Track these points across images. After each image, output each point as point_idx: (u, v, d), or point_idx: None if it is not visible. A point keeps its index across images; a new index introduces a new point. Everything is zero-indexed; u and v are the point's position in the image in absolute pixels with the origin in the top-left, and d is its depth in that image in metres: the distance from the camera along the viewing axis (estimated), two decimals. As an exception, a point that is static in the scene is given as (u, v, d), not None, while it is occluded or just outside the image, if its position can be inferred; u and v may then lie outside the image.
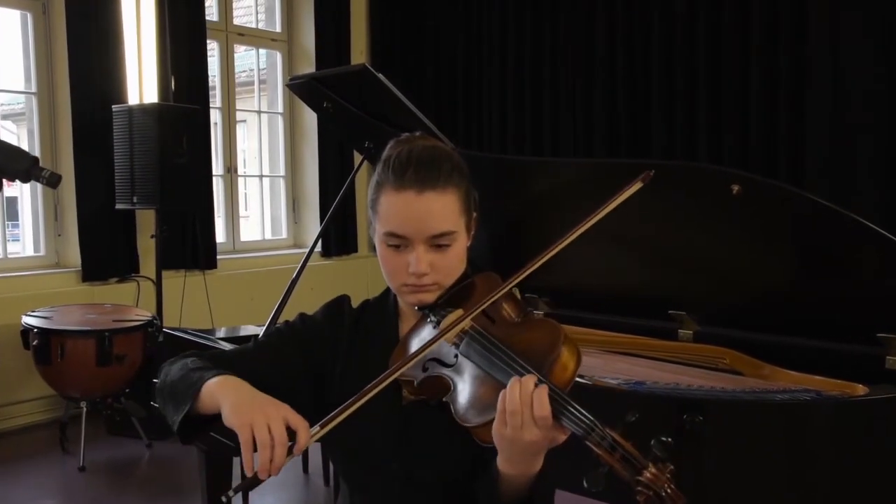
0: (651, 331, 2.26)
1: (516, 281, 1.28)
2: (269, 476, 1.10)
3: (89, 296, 4.59)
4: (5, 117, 6.89)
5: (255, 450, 1.10)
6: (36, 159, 2.50)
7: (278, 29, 6.06)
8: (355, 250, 6.16)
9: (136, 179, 4.36)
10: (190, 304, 4.89)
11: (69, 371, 3.81)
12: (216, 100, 5.58)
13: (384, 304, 1.41)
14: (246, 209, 6.60)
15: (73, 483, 3.69)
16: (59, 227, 4.75)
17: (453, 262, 1.30)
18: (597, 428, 1.08)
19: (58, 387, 3.94)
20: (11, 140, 4.27)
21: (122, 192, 4.44)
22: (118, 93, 4.70)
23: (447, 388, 1.23)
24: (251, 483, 1.10)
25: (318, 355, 1.36)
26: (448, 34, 6.21)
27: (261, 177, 6.24)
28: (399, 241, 1.27)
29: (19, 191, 4.99)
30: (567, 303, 2.49)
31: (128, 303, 4.67)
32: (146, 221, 4.77)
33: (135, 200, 4.39)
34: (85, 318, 4.01)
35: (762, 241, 1.93)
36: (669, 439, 1.05)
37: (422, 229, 1.25)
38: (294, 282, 2.69)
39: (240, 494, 3.42)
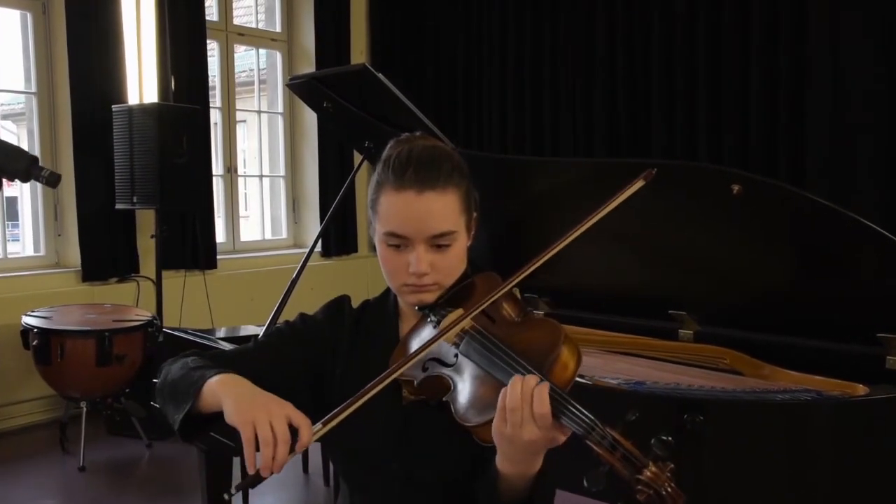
0: (651, 331, 2.26)
1: (517, 280, 1.28)
2: (272, 474, 1.10)
3: (89, 296, 4.59)
4: (5, 117, 6.90)
5: (257, 448, 1.10)
6: (35, 158, 2.50)
7: (278, 29, 6.06)
8: (355, 250, 6.16)
9: (136, 179, 4.36)
10: (190, 304, 4.88)
11: (69, 371, 3.81)
12: (216, 100, 5.58)
13: (384, 305, 1.41)
14: (246, 209, 6.60)
15: (73, 483, 3.69)
16: (59, 227, 4.75)
17: (453, 262, 1.30)
18: (597, 427, 1.08)
19: (58, 387, 3.94)
20: (11, 140, 4.27)
21: (122, 192, 4.44)
22: (118, 93, 4.70)
23: (447, 387, 1.23)
24: (253, 481, 1.11)
25: (319, 355, 1.36)
26: (448, 34, 6.20)
27: (261, 177, 6.24)
28: (399, 241, 1.27)
29: (19, 191, 4.99)
30: (567, 303, 2.49)
31: (128, 303, 4.67)
32: (146, 221, 4.77)
33: (135, 200, 4.39)
34: (85, 318, 4.01)
35: (762, 241, 1.93)
36: (670, 438, 1.05)
37: (422, 229, 1.25)
38: (294, 282, 2.69)
39: (240, 494, 3.42)
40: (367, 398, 1.18)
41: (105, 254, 4.68)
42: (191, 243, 5.08)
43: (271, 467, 1.10)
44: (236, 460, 2.84)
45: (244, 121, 6.63)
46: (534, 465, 1.17)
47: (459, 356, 1.24)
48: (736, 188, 1.77)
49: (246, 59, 6.79)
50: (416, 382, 1.25)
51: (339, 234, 5.99)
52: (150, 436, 4.05)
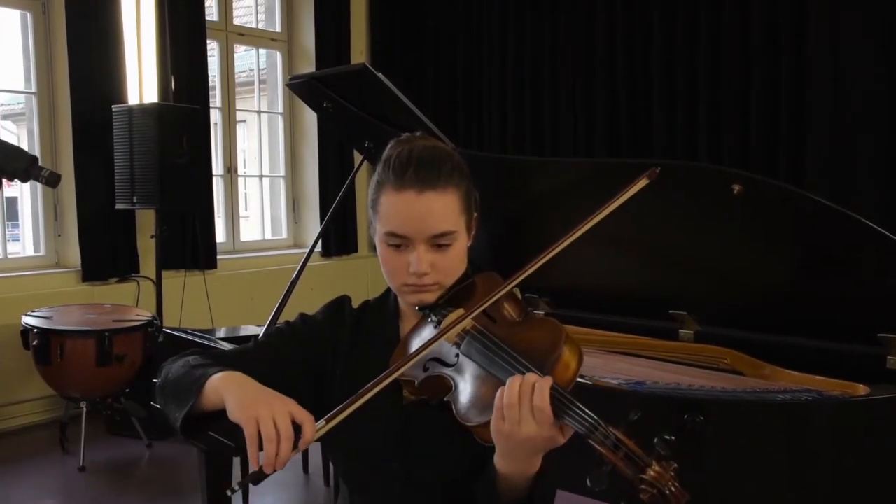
0: (652, 331, 2.26)
1: (519, 279, 1.28)
2: (275, 470, 1.10)
3: (89, 296, 4.59)
4: (5, 117, 6.90)
5: (260, 445, 1.10)
6: (35, 158, 2.50)
7: (278, 29, 6.06)
8: (355, 250, 6.16)
9: (135, 179, 4.36)
10: (190, 304, 4.88)
11: (69, 371, 3.81)
12: (216, 100, 5.58)
13: (385, 305, 1.41)
14: (246, 209, 6.60)
15: (73, 483, 3.69)
16: (59, 227, 4.75)
17: (454, 261, 1.30)
18: (600, 426, 1.08)
19: (58, 387, 3.94)
20: (11, 140, 4.27)
21: (122, 192, 4.44)
22: (118, 93, 4.70)
23: (448, 387, 1.23)
24: (256, 477, 1.11)
25: (319, 356, 1.36)
26: (448, 34, 6.20)
27: (261, 177, 6.24)
28: (400, 241, 1.27)
29: (19, 191, 5.00)
30: (567, 303, 2.49)
31: (128, 303, 4.67)
32: (146, 221, 4.77)
33: (135, 200, 4.39)
34: (85, 318, 4.00)
35: (763, 241, 1.93)
36: (672, 437, 1.05)
37: (422, 229, 1.25)
38: (294, 282, 2.69)
39: (239, 494, 3.41)
40: (371, 395, 1.18)
41: (105, 254, 4.68)
42: (191, 243, 5.08)
43: (274, 464, 1.10)
44: (236, 460, 2.84)
45: (244, 121, 6.63)
46: (533, 465, 1.16)
47: (460, 356, 1.24)
48: (737, 188, 1.77)
49: (246, 59, 6.79)
50: (416, 382, 1.25)
51: (340, 234, 5.99)
52: (150, 436, 4.05)
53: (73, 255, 4.67)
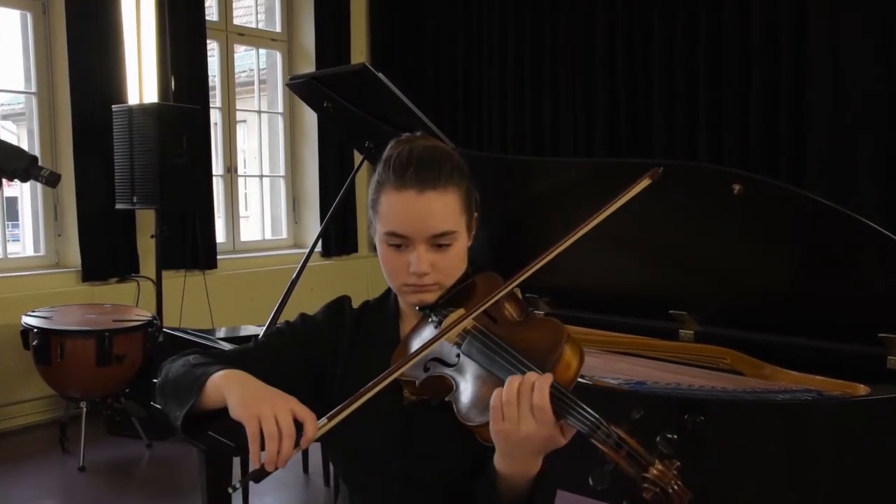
0: (652, 331, 2.26)
1: (520, 279, 1.28)
2: (276, 468, 1.10)
3: (89, 296, 4.59)
4: (5, 117, 6.90)
5: (262, 444, 1.10)
6: (35, 158, 2.51)
7: (278, 29, 6.06)
8: (355, 250, 6.16)
9: (135, 179, 4.36)
10: (190, 304, 4.88)
11: (69, 371, 3.81)
12: (216, 100, 5.58)
13: (385, 305, 1.41)
14: (246, 209, 6.60)
15: (73, 483, 3.69)
16: (59, 227, 4.74)
17: (454, 261, 1.30)
18: (602, 425, 1.08)
19: (58, 387, 3.94)
20: (11, 140, 4.27)
21: (122, 192, 4.44)
22: (118, 93, 4.70)
23: (449, 387, 1.22)
24: (258, 475, 1.11)
25: (319, 356, 1.36)
26: (448, 34, 6.20)
27: (261, 177, 6.24)
28: (400, 241, 1.27)
29: (19, 191, 4.99)
30: (567, 303, 2.49)
31: (128, 303, 4.67)
32: (146, 221, 4.77)
33: (135, 200, 4.39)
34: (85, 318, 4.00)
35: (763, 241, 1.93)
36: (675, 436, 1.05)
37: (422, 229, 1.25)
38: (294, 282, 2.69)
39: (239, 493, 3.41)
40: (372, 394, 1.18)
41: (105, 254, 4.68)
42: (191, 243, 5.08)
43: (276, 462, 1.10)
44: (236, 460, 2.84)
45: (244, 121, 6.63)
46: (533, 465, 1.16)
47: (461, 356, 1.24)
48: (737, 188, 1.77)
49: (246, 59, 6.79)
50: (417, 383, 1.25)
51: (340, 234, 5.99)
52: (150, 436, 4.05)
53: (73, 255, 4.67)
